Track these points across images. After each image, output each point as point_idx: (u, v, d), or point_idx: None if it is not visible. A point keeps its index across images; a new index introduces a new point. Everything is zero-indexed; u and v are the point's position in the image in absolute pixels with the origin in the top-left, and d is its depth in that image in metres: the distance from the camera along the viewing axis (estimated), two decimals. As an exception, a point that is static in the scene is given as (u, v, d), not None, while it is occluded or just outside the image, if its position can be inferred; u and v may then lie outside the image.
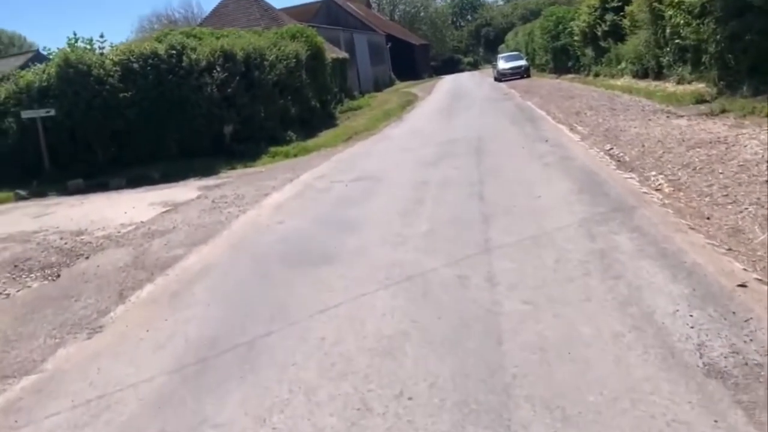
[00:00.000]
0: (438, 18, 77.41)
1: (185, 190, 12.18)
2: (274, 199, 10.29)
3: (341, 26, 41.83)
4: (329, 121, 21.79)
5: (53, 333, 5.56)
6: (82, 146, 14.87)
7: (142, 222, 9.64)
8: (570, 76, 28.64)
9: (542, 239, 6.13)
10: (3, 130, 14.87)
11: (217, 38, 17.28)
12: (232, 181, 12.87)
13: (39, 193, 13.82)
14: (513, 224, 6.82)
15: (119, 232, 9.16)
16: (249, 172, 14.01)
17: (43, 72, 14.95)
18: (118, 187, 13.67)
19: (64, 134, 14.73)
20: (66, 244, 8.85)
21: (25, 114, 14.42)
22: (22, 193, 13.70)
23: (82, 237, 9.14)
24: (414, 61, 59.07)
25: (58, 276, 7.40)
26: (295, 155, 15.94)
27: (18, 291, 7.06)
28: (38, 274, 7.59)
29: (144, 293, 6.30)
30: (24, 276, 7.58)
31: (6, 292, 7.07)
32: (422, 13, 77.18)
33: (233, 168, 14.62)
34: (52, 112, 14.38)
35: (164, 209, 10.49)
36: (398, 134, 17.78)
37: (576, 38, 27.13)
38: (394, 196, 9.15)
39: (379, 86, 42.47)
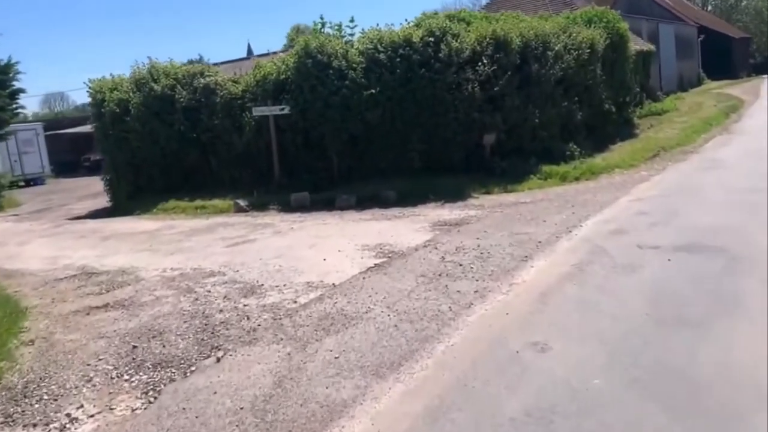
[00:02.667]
0: (765, 7, 63.50)
1: (414, 228, 8.75)
2: (538, 271, 6.24)
3: (645, 15, 35.18)
4: (626, 130, 16.73)
5: None
6: (316, 152, 12.42)
7: (332, 285, 6.41)
8: None
9: None
10: (240, 126, 13.03)
11: (489, 22, 13.60)
12: (481, 215, 9.11)
13: (260, 204, 11.67)
14: None
15: (294, 302, 6.05)
16: (507, 201, 10.13)
17: (282, 62, 12.61)
18: (345, 207, 10.89)
19: (297, 137, 12.41)
20: (221, 312, 6.00)
21: (257, 111, 12.31)
22: (242, 203, 11.63)
23: (247, 302, 6.22)
24: (730, 57, 48.87)
25: (155, 399, 4.41)
26: (576, 179, 11.66)
27: (91, 416, 4.22)
28: (144, 378, 4.74)
29: None
30: (127, 378, 4.79)
31: (76, 416, 4.29)
32: (744, 2, 64.14)
33: (488, 192, 10.90)
34: (286, 110, 12.07)
35: (373, 262, 7.15)
36: (733, 157, 12.25)
37: None
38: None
39: (683, 86, 34.95)
